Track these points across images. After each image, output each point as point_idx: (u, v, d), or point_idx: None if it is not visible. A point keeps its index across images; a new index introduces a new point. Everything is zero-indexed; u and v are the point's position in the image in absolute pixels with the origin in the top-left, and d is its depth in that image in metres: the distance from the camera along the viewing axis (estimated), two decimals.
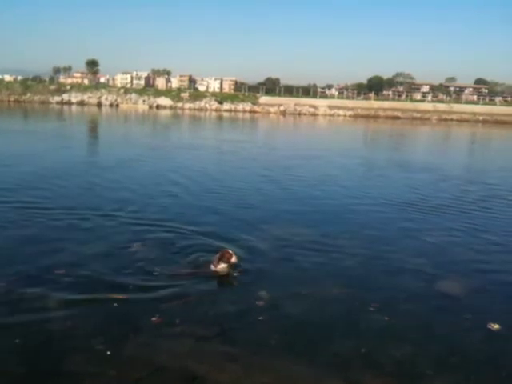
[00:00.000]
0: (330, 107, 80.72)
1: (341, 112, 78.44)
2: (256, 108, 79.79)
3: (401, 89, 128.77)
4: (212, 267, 8.37)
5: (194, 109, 78.87)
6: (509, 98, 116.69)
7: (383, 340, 6.65)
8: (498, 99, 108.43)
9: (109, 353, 5.97)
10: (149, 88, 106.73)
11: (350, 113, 78.13)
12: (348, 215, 13.68)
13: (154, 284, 7.92)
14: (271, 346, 6.33)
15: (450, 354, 6.38)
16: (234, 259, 8.35)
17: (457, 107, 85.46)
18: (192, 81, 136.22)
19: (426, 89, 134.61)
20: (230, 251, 8.46)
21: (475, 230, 12.51)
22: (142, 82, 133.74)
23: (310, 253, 9.90)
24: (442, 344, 6.61)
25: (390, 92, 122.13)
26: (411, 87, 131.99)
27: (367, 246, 10.67)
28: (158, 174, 18.69)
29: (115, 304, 7.18)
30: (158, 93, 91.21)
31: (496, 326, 6.98)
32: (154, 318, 6.79)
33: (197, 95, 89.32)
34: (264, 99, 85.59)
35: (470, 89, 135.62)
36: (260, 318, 6.97)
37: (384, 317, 7.27)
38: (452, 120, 76.79)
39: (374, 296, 7.94)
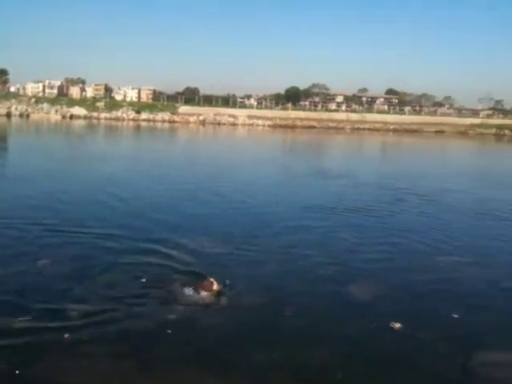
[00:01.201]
0: (250, 117, 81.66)
1: (260, 122, 79.53)
2: (175, 118, 79.28)
3: (317, 99, 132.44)
4: (193, 295, 7.99)
5: (111, 118, 77.02)
6: (417, 108, 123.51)
7: (298, 345, 6.80)
8: (407, 109, 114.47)
9: (17, 372, 5.74)
10: (62, 97, 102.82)
11: (268, 122, 79.39)
12: (268, 222, 13.89)
13: (65, 302, 7.63)
14: (186, 361, 6.30)
15: (358, 355, 6.68)
16: (215, 287, 8.08)
17: (369, 117, 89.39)
18: (108, 90, 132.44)
19: (340, 99, 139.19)
20: (211, 279, 8.16)
21: (384, 231, 13.23)
22: (55, 91, 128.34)
23: (224, 261, 9.94)
24: (351, 346, 6.90)
25: (307, 102, 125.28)
26: (326, 98, 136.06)
27: (284, 252, 10.90)
28: (73, 186, 18.04)
29: (24, 324, 6.85)
30: (72, 102, 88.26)
31: (398, 325, 7.41)
32: (66, 335, 6.55)
33: (113, 104, 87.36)
34: (183, 109, 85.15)
35: (382, 99, 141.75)
36: (173, 333, 6.91)
37: (298, 322, 7.45)
38: (365, 129, 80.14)
39: (290, 301, 8.10)
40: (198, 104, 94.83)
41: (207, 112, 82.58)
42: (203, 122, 77.48)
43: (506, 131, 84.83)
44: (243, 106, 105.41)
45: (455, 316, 7.88)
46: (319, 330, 7.30)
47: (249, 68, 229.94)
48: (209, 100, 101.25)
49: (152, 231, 11.86)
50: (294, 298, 8.33)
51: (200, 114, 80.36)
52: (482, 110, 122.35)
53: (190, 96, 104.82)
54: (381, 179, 24.80)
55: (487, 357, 6.65)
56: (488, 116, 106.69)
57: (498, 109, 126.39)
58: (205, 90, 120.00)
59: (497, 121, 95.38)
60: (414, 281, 9.55)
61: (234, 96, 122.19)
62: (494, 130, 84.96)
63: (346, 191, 19.73)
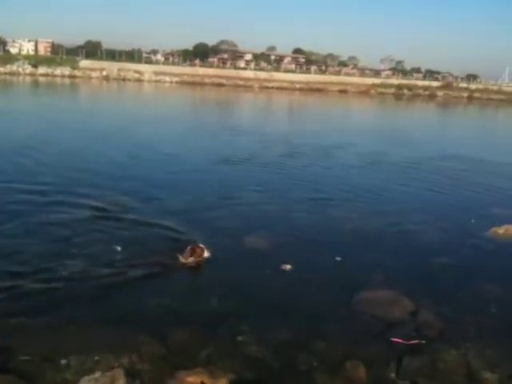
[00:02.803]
0: (156, 73, 79.27)
1: (167, 78, 77.58)
2: (76, 72, 75.19)
3: (225, 56, 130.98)
4: (182, 259, 7.96)
5: (5, 73, 71.57)
6: (323, 67, 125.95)
7: (194, 296, 7.04)
8: (313, 68, 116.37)
9: None
10: None
11: (176, 79, 77.67)
12: (175, 174, 14.26)
13: None
14: (78, 312, 6.40)
15: (254, 299, 7.09)
16: (206, 254, 8.07)
17: (277, 75, 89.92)
18: (2, 42, 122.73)
19: (249, 57, 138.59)
20: (202, 245, 8.14)
21: (285, 184, 13.84)
22: None
23: (116, 214, 10.03)
24: (246, 290, 7.32)
25: (216, 59, 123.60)
26: (235, 55, 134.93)
27: (187, 202, 11.26)
28: None
29: None
30: None
31: (288, 267, 8.01)
32: None
33: (8, 58, 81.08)
34: (85, 63, 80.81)
35: (289, 58, 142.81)
36: (63, 286, 6.95)
37: (196, 272, 7.70)
38: (273, 88, 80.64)
39: None
40: (101, 58, 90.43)
41: (111, 67, 78.97)
42: (107, 78, 74.25)
43: (405, 91, 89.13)
44: (149, 61, 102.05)
45: (338, 259, 8.52)
46: (217, 279, 7.60)
47: (156, 22, 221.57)
48: (112, 54, 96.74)
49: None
50: None
51: (103, 69, 76.74)
52: (384, 71, 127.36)
53: (92, 50, 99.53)
54: (287, 135, 25.46)
55: (366, 295, 7.28)
56: (388, 76, 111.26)
57: (398, 69, 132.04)
58: (108, 44, 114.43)
59: (396, 81, 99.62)
60: (305, 229, 10.15)
61: (139, 51, 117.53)
62: (393, 90, 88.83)
63: (253, 146, 20.18)
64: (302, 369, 5.53)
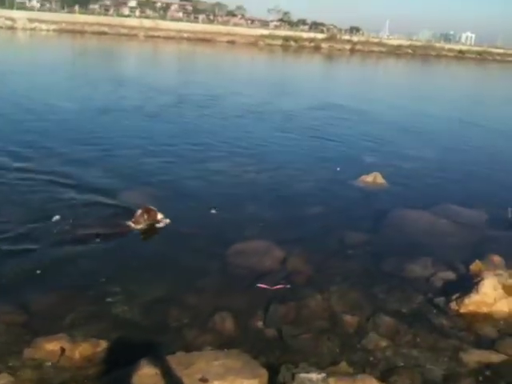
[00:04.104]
0: (31, 20, 73.01)
1: (43, 26, 71.78)
2: None
3: (108, 3, 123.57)
4: (133, 225, 7.65)
5: None
6: (211, 17, 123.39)
7: (62, 259, 6.76)
8: (201, 17, 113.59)
9: None
10: None
11: (53, 27, 72.09)
12: (64, 125, 13.95)
13: None
14: None
15: (127, 257, 7.03)
16: (159, 216, 7.81)
17: (163, 24, 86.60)
18: None
19: (133, 4, 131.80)
20: (153, 208, 7.76)
21: (165, 136, 13.89)
22: None
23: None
24: (120, 250, 7.22)
25: (97, 6, 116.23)
26: (118, 1, 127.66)
27: (61, 153, 11.13)
28: None
29: None
30: None
31: (167, 221, 7.92)
32: None
33: None
34: None
35: (176, 5, 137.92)
36: None
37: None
38: (159, 37, 77.71)
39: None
40: None
41: None
42: None
43: (292, 42, 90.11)
44: (23, 7, 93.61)
45: (213, 212, 8.60)
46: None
47: None
48: None
49: None
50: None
51: None
52: (272, 21, 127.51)
53: None
54: (172, 86, 25.07)
55: (239, 246, 7.43)
56: (276, 27, 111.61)
57: (285, 20, 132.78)
58: None
59: (284, 32, 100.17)
60: (183, 182, 10.19)
61: None
62: (280, 42, 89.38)
63: (135, 97, 19.87)
64: (172, 325, 5.53)
